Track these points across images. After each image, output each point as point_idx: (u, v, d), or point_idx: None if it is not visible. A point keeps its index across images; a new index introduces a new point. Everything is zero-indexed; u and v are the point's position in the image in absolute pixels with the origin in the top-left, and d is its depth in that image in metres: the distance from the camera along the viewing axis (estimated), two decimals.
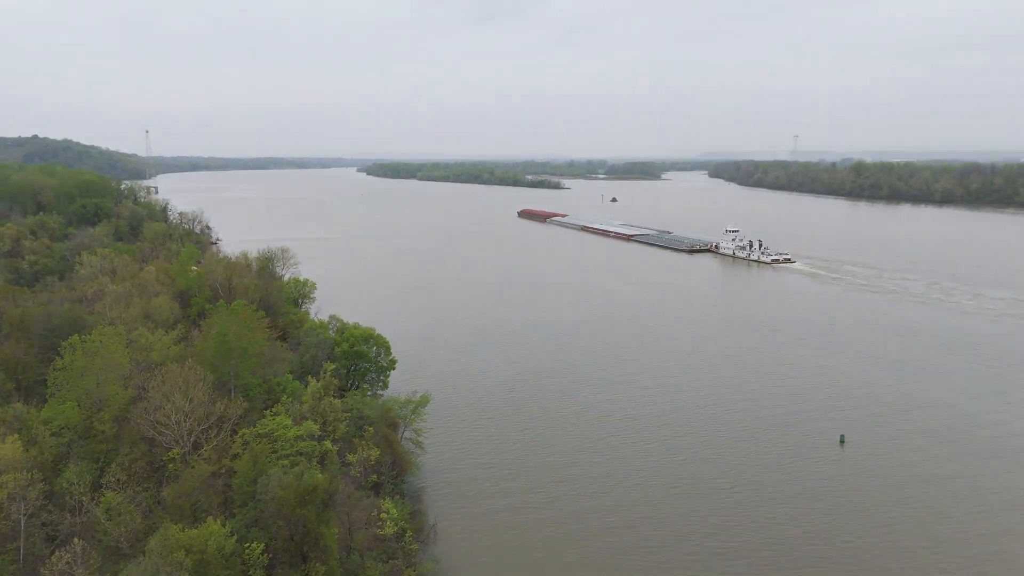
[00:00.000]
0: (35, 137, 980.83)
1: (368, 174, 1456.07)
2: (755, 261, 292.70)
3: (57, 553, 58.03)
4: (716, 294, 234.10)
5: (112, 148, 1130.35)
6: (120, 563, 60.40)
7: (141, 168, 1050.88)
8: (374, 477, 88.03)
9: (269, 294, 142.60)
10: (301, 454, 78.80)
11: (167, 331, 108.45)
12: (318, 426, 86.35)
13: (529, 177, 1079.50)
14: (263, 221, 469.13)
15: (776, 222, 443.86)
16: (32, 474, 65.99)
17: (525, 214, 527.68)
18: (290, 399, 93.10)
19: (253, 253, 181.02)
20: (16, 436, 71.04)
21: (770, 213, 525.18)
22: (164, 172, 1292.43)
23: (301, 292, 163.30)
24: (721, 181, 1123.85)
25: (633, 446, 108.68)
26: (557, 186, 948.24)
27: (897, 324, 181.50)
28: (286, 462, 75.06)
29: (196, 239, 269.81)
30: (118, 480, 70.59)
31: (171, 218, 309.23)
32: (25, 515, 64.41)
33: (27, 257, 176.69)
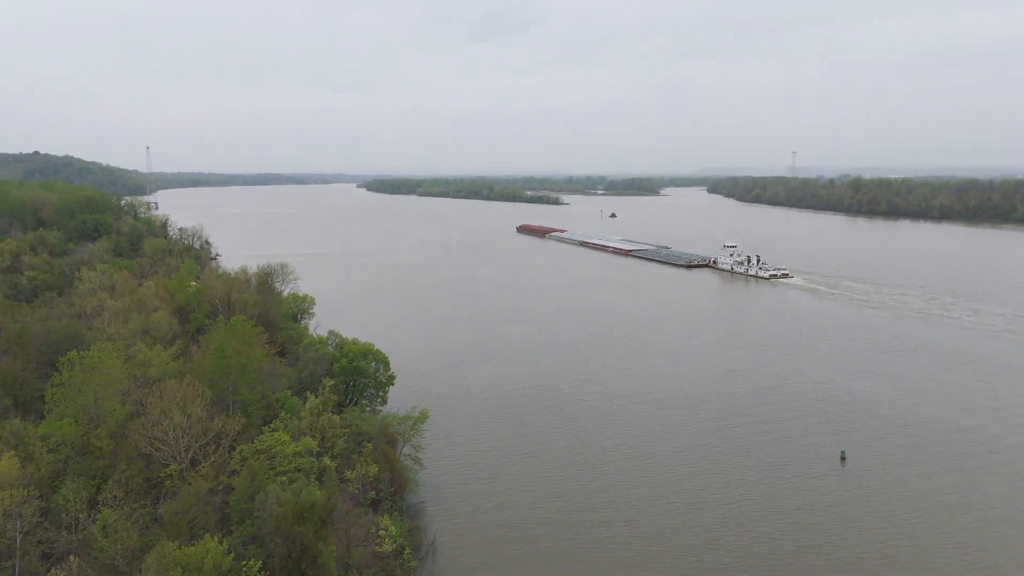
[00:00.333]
0: (36, 153, 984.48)
1: (368, 190, 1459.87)
2: (753, 276, 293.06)
3: (53, 571, 57.75)
4: (714, 309, 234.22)
5: (113, 164, 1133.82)
6: None
7: (142, 184, 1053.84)
8: (372, 494, 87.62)
9: (268, 309, 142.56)
10: (299, 470, 78.52)
11: (166, 347, 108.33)
12: (316, 442, 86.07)
13: (528, 193, 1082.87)
14: (263, 236, 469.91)
15: (775, 238, 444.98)
16: (28, 491, 65.67)
17: (524, 229, 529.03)
18: (288, 415, 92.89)
19: (252, 268, 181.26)
20: (12, 452, 70.81)
21: (769, 229, 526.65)
22: (165, 188, 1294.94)
23: (300, 307, 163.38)
24: (720, 197, 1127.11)
25: (631, 461, 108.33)
26: (556, 202, 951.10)
27: (896, 339, 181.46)
28: (284, 478, 74.75)
29: (196, 254, 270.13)
30: (115, 497, 70.26)
31: (171, 234, 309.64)
32: (21, 532, 64.03)
33: (26, 273, 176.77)
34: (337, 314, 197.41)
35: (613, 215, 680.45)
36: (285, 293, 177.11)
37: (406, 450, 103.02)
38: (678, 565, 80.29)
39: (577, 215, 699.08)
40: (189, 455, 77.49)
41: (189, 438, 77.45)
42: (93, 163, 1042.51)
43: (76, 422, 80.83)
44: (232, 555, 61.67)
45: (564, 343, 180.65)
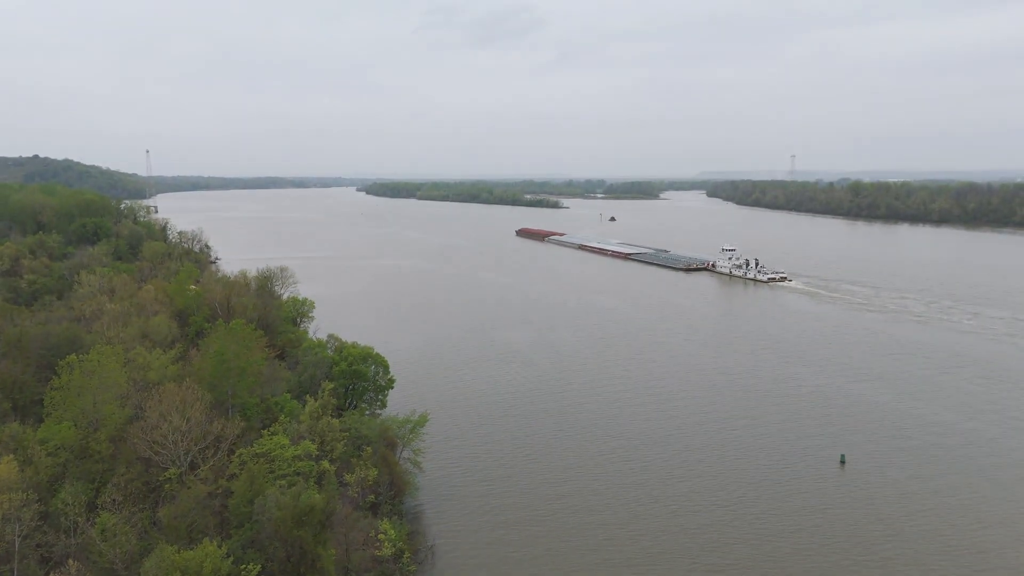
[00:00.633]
0: (36, 157, 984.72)
1: (368, 194, 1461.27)
2: (752, 280, 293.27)
3: (52, 575, 57.62)
4: (713, 312, 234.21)
5: (113, 168, 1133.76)
6: None
7: (141, 188, 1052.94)
8: (372, 497, 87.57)
9: (268, 313, 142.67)
10: (298, 474, 78.53)
11: (165, 350, 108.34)
12: (316, 446, 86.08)
13: (528, 196, 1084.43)
14: (262, 240, 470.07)
15: (773, 241, 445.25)
16: (27, 494, 65.70)
17: (523, 233, 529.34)
18: (288, 418, 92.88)
19: (252, 272, 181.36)
20: (12, 456, 70.84)
21: (767, 232, 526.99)
22: (165, 192, 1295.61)
23: (300, 311, 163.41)
24: (719, 200, 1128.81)
25: (630, 463, 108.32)
26: (556, 205, 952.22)
27: (896, 343, 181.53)
28: (283, 482, 74.77)
29: (195, 258, 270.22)
30: (114, 501, 70.22)
31: (170, 237, 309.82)
32: (20, 536, 64.01)
33: (26, 276, 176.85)
34: (337, 318, 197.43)
35: (612, 219, 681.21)
36: (285, 297, 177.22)
37: (405, 454, 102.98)
38: (677, 567, 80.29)
39: (576, 219, 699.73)
40: (188, 459, 77.46)
41: (188, 442, 77.43)
42: (93, 167, 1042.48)
43: (75, 426, 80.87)
44: (231, 559, 61.67)
45: (563, 346, 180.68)
